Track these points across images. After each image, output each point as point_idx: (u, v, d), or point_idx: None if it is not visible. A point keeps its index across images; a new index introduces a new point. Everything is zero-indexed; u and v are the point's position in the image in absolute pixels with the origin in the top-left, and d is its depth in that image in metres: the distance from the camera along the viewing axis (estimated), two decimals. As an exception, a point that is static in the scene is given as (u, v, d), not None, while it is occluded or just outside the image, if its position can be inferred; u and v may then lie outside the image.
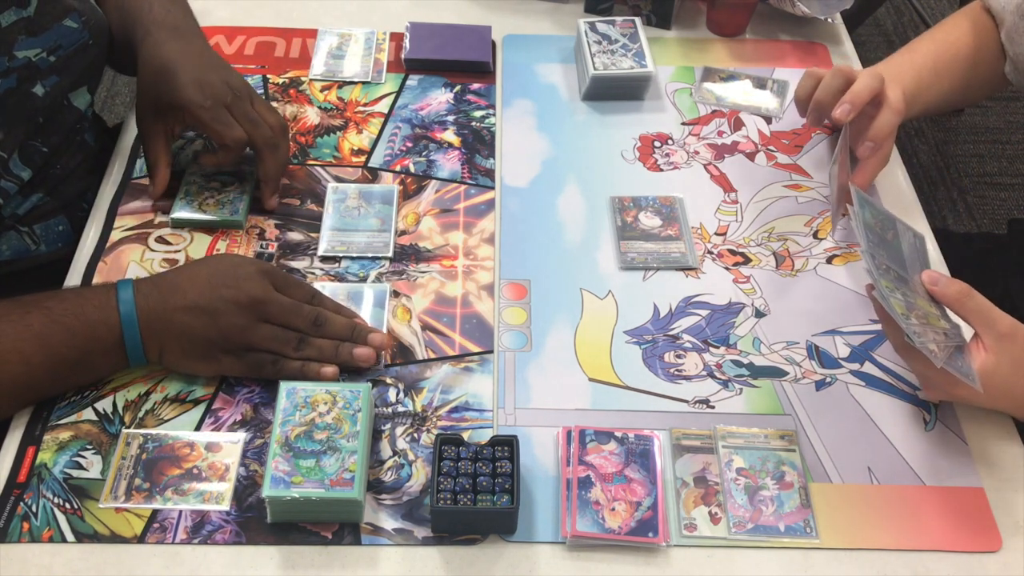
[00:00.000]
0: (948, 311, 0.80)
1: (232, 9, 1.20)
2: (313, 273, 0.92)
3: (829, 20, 1.24)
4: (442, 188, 1.01)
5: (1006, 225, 1.26)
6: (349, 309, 0.86)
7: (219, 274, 0.80)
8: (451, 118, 1.09)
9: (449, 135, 1.07)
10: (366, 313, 0.89)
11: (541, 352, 0.88)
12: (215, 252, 0.93)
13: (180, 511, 0.75)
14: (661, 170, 1.05)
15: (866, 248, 0.79)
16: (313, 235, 0.95)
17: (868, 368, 0.88)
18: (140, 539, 0.74)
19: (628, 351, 0.88)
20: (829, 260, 0.97)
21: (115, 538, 0.73)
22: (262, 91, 1.10)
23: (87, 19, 0.94)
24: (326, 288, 0.90)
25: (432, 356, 0.87)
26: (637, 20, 1.15)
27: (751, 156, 1.07)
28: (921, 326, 0.75)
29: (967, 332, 0.79)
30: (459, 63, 1.14)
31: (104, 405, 0.81)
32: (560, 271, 0.94)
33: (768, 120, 1.11)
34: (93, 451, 0.78)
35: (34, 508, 0.75)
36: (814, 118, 1.01)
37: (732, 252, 0.97)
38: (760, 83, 1.15)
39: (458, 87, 1.13)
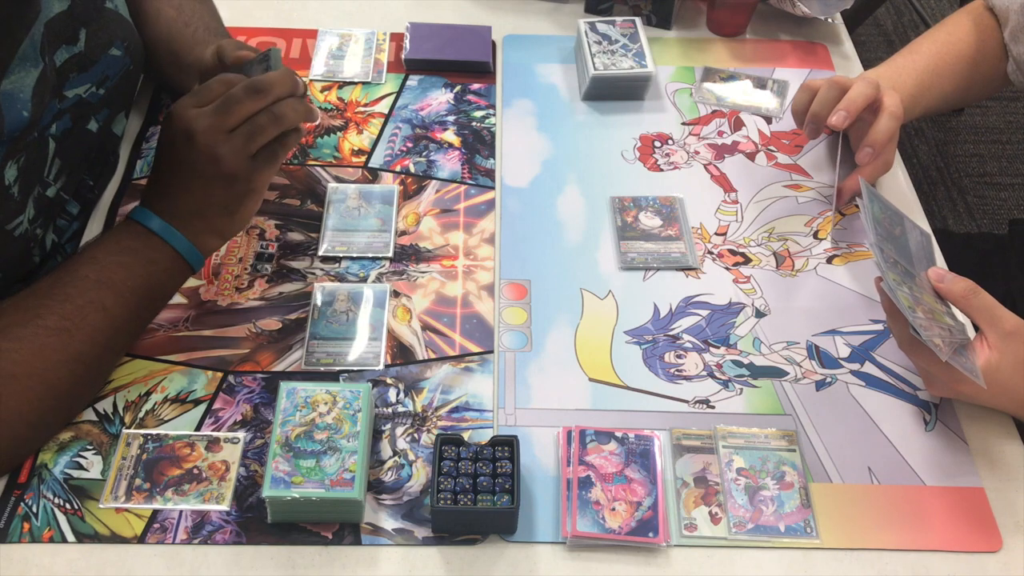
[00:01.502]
0: (954, 308, 0.80)
1: (232, 9, 1.20)
2: (313, 273, 0.92)
3: (829, 20, 1.24)
4: (442, 188, 1.01)
5: (1006, 225, 1.26)
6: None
7: (176, 149, 0.79)
8: (451, 118, 1.09)
9: (449, 135, 1.07)
10: (366, 313, 0.89)
11: (541, 352, 0.88)
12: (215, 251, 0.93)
13: (180, 511, 0.75)
14: (661, 170, 1.05)
15: (875, 241, 0.79)
16: (313, 235, 0.95)
17: (868, 368, 0.88)
18: (140, 539, 0.74)
19: (628, 351, 0.88)
20: (829, 260, 0.97)
21: (115, 538, 0.74)
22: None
23: (128, 44, 0.93)
24: (326, 288, 0.90)
25: (432, 356, 0.87)
26: (637, 20, 1.15)
27: (751, 156, 1.07)
28: (927, 320, 0.75)
29: (971, 331, 0.79)
30: (459, 63, 1.14)
31: (104, 405, 0.81)
32: (560, 271, 0.94)
33: (768, 120, 1.11)
34: (93, 451, 0.78)
35: (34, 508, 0.75)
36: (811, 130, 1.01)
37: (732, 252, 0.97)
38: (760, 83, 1.15)
39: (458, 87, 1.13)
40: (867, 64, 1.15)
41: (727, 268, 0.96)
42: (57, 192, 0.86)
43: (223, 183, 0.79)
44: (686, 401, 0.85)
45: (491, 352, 0.87)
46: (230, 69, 0.87)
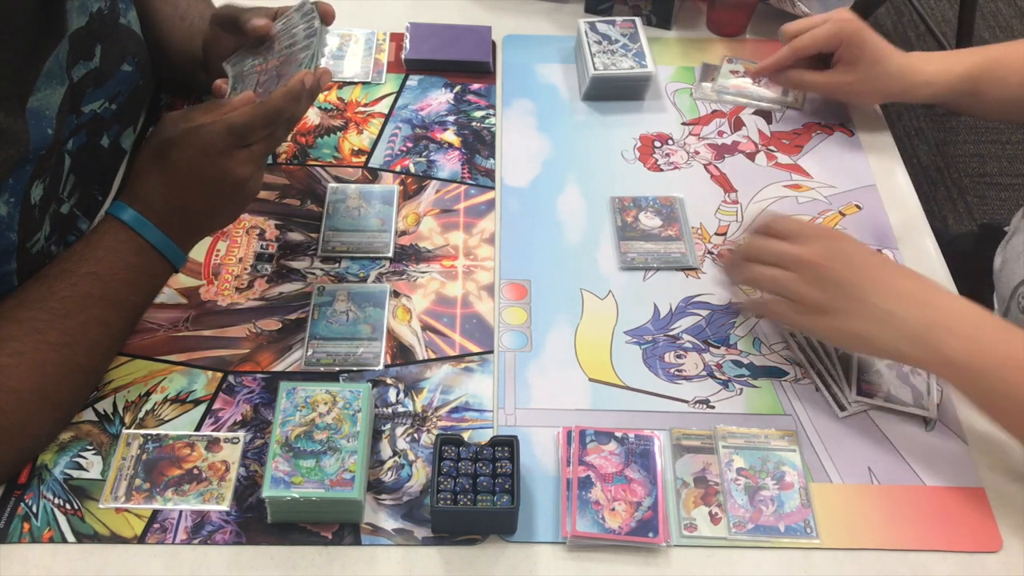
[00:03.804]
0: None
1: (232, 9, 1.20)
2: (313, 273, 0.92)
3: (829, 20, 1.24)
4: (442, 188, 1.01)
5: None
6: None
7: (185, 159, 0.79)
8: (451, 118, 1.09)
9: (449, 135, 1.07)
10: (366, 313, 0.89)
11: (541, 352, 0.88)
12: (215, 252, 0.93)
13: (180, 511, 0.75)
14: (661, 170, 1.05)
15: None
16: (313, 235, 0.95)
17: (868, 368, 0.88)
18: (140, 539, 0.74)
19: (628, 351, 0.88)
20: (829, 260, 0.97)
21: (115, 538, 0.74)
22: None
23: (139, 60, 0.94)
24: (326, 289, 0.90)
25: (432, 356, 0.87)
26: (637, 20, 1.15)
27: (751, 156, 1.07)
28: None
29: None
30: (459, 63, 1.14)
31: (104, 406, 0.81)
32: (560, 271, 0.94)
33: (768, 120, 1.11)
34: (93, 452, 0.78)
35: (34, 509, 0.75)
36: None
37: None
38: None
39: (458, 87, 1.13)
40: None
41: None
42: (71, 209, 0.87)
43: (239, 200, 0.82)
44: (686, 401, 0.85)
45: (491, 352, 0.87)
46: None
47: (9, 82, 0.74)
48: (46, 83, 0.77)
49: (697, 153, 1.07)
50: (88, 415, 0.80)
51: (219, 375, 0.84)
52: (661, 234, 0.98)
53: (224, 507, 0.75)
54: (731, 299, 0.92)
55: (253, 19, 0.86)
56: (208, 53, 0.93)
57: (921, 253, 0.98)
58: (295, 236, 0.96)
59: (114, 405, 0.81)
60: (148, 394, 0.82)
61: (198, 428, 0.80)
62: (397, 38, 1.18)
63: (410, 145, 1.06)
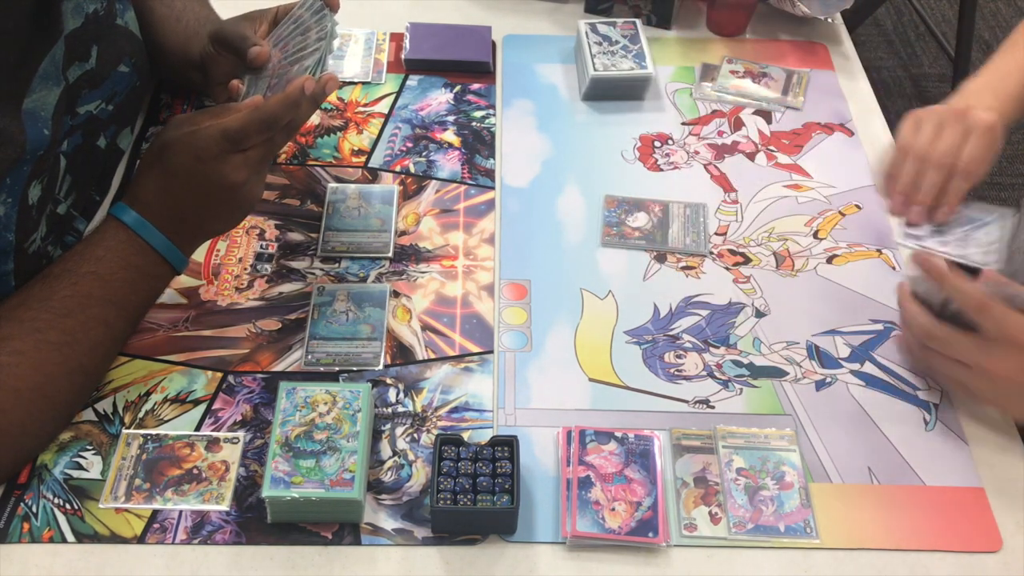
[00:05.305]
0: None
1: (232, 10, 1.20)
2: (313, 273, 0.92)
3: (829, 20, 1.24)
4: (442, 188, 1.01)
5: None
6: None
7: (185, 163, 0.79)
8: (451, 118, 1.09)
9: (449, 135, 1.07)
10: (366, 313, 0.89)
11: (541, 352, 0.88)
12: (215, 252, 0.93)
13: (180, 511, 0.75)
14: (661, 170, 1.05)
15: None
16: (313, 235, 0.95)
17: (868, 368, 0.88)
18: (140, 539, 0.74)
19: (628, 351, 0.88)
20: (829, 260, 0.97)
21: (115, 538, 0.74)
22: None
23: (136, 61, 0.94)
24: (326, 289, 0.90)
25: (432, 356, 0.87)
26: (638, 22, 1.15)
27: (751, 156, 1.07)
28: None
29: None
30: (459, 63, 1.14)
31: (104, 406, 0.81)
32: (560, 271, 0.94)
33: (768, 120, 1.11)
34: (93, 452, 0.78)
35: (34, 508, 0.75)
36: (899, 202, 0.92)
37: (732, 252, 0.97)
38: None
39: (458, 87, 1.13)
40: (867, 63, 1.15)
41: (727, 268, 0.96)
42: (67, 209, 0.87)
43: (237, 205, 0.82)
44: (686, 401, 0.85)
45: (491, 352, 0.87)
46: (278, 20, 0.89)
47: (4, 83, 0.74)
48: (41, 84, 0.77)
49: (697, 153, 1.07)
50: (88, 415, 0.80)
51: (219, 375, 0.84)
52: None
53: (224, 507, 0.75)
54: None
55: (252, 48, 0.85)
56: (209, 69, 0.93)
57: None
58: (295, 236, 0.96)
59: (114, 405, 0.81)
60: (148, 394, 0.82)
61: (198, 428, 0.80)
62: (397, 38, 1.18)
63: (410, 145, 1.06)
